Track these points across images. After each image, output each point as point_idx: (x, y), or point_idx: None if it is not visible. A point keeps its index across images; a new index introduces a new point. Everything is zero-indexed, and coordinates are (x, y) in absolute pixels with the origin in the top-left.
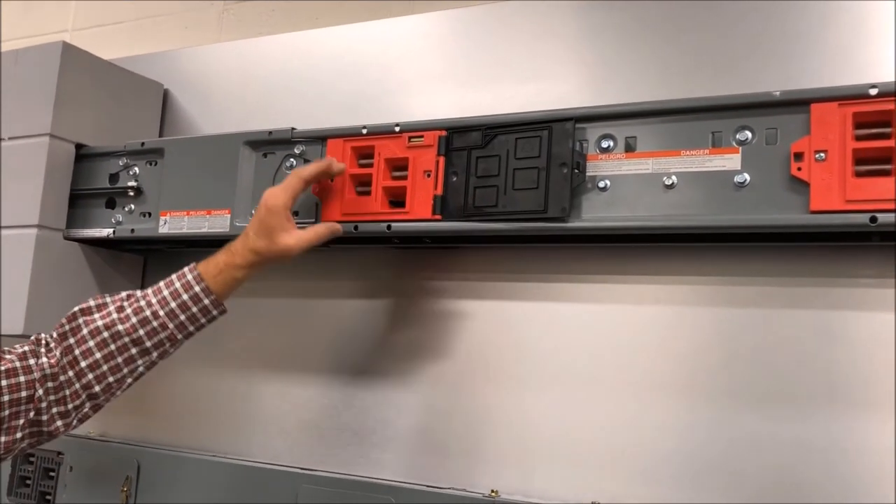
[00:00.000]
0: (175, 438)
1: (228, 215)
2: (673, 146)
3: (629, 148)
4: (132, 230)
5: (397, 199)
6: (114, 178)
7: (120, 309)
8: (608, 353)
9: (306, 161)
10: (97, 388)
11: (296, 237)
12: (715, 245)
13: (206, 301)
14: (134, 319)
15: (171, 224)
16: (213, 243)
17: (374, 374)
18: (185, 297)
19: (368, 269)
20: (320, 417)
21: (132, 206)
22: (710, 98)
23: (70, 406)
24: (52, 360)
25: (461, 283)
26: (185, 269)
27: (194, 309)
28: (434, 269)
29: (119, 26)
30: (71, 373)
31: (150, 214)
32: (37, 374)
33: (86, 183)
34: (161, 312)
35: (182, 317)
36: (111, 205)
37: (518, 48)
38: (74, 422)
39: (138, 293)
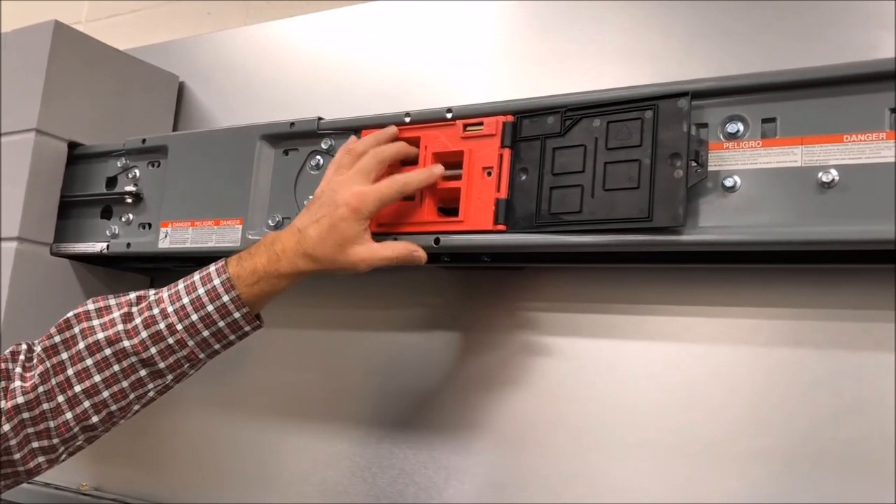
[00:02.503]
0: (175, 495)
1: (240, 226)
2: (831, 129)
3: (767, 133)
4: (128, 244)
5: (449, 206)
6: (111, 182)
7: (127, 318)
8: (726, 411)
9: None
10: (95, 419)
11: (369, 251)
12: (883, 267)
13: (237, 315)
14: (144, 334)
15: (173, 237)
16: None
17: (416, 429)
18: (209, 308)
19: (411, 295)
20: (350, 481)
21: (130, 216)
22: (887, 61)
23: (56, 440)
24: (28, 385)
25: (530, 314)
26: (212, 268)
27: (221, 324)
28: (495, 296)
29: (136, 15)
30: (61, 398)
31: (149, 226)
32: (6, 405)
33: (80, 188)
34: (179, 326)
35: (205, 333)
36: (107, 214)
37: (606, 16)
38: (63, 456)
39: (151, 295)
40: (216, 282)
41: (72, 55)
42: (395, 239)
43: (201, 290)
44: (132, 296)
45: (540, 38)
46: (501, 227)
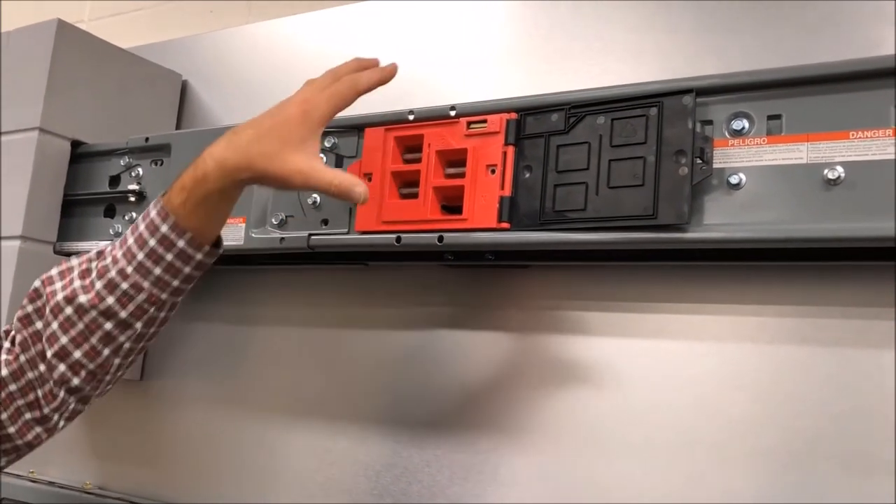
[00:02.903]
0: (178, 494)
1: (243, 225)
2: (837, 126)
3: (773, 130)
4: None
5: (452, 204)
6: (114, 180)
7: (85, 273)
8: (731, 409)
9: (339, 157)
10: (76, 381)
11: (310, 166)
12: (889, 265)
13: (181, 243)
14: (98, 285)
15: None
16: (225, 260)
17: (421, 427)
18: (152, 242)
19: (414, 294)
20: (354, 479)
21: (134, 215)
22: (893, 57)
23: (47, 410)
24: (11, 357)
25: (534, 312)
26: (151, 202)
27: (169, 257)
28: (499, 295)
29: (139, 13)
30: (42, 367)
31: None
32: None
33: (83, 187)
34: (129, 270)
35: (157, 270)
36: (111, 212)
37: (611, 13)
38: (61, 423)
39: (108, 248)
40: (153, 214)
41: (75, 53)
42: (399, 238)
43: (142, 227)
44: (93, 252)
45: (545, 35)
46: (505, 224)
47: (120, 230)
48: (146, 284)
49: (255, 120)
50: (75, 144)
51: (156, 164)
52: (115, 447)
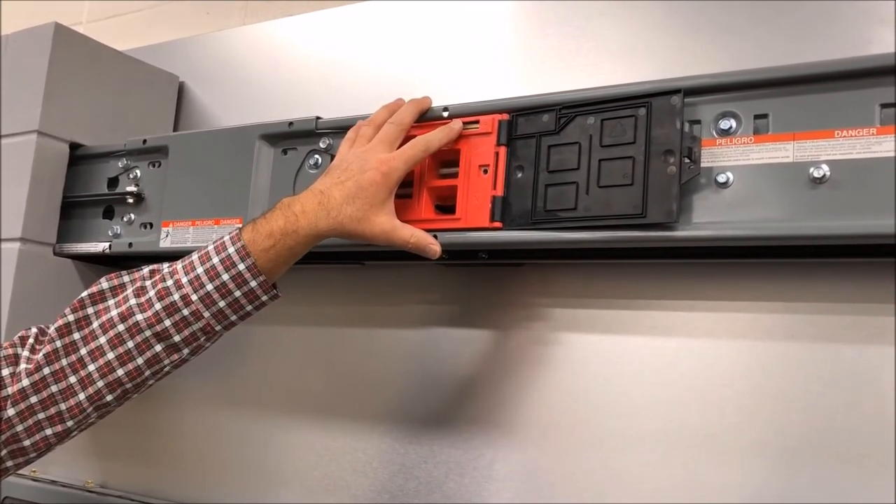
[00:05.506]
0: (179, 491)
1: (240, 225)
2: (823, 125)
3: (759, 129)
4: (130, 244)
5: (445, 203)
6: (112, 182)
7: (140, 291)
8: (724, 404)
9: (334, 158)
10: (109, 398)
11: (391, 225)
12: (875, 261)
13: (254, 283)
14: (158, 306)
15: (174, 236)
16: None
17: (417, 424)
18: (224, 277)
19: (409, 293)
20: (352, 475)
21: (132, 216)
22: (877, 57)
23: (70, 423)
24: (32, 366)
25: (528, 310)
26: (226, 237)
27: (237, 293)
28: (493, 293)
29: (136, 15)
30: (73, 379)
31: (151, 225)
32: (11, 389)
33: (82, 189)
34: (193, 297)
35: (221, 303)
36: (109, 214)
37: (603, 13)
38: (75, 433)
39: (165, 268)
40: (231, 250)
41: (72, 57)
42: None
43: (216, 259)
44: (145, 270)
45: (537, 35)
46: (498, 224)
47: (119, 231)
48: (207, 314)
49: (337, 178)
50: (73, 147)
51: (153, 165)
52: (116, 446)
